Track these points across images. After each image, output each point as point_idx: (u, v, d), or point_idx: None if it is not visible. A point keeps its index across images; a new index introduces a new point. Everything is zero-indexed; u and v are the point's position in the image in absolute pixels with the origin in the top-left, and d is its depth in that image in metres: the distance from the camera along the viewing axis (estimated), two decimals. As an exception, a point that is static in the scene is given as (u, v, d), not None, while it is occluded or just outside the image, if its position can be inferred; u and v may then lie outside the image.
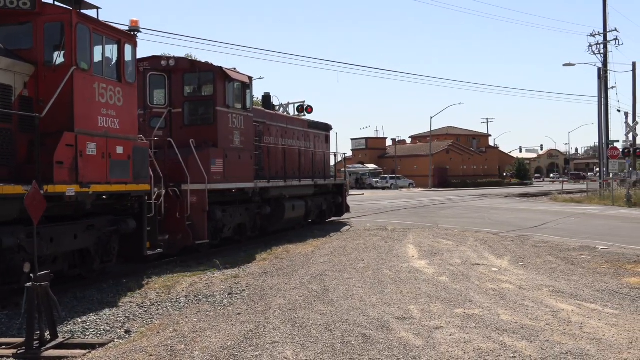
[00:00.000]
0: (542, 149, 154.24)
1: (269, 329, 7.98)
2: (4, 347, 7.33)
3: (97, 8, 10.92)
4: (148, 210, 12.54)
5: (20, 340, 7.38)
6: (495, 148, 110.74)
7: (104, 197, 11.47)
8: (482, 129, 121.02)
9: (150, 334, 7.85)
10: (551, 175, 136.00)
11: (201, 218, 14.73)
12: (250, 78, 17.64)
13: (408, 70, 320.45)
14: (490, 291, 10.35)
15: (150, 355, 6.84)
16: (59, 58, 10.34)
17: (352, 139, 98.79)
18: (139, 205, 12.40)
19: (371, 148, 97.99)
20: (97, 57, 10.98)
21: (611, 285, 11.02)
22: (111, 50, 11.40)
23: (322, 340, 7.39)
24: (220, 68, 16.16)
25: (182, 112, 16.03)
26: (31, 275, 7.37)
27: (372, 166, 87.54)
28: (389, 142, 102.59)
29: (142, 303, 9.78)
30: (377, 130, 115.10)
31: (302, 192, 21.57)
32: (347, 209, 26.63)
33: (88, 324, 8.53)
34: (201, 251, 15.22)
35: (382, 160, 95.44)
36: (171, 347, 7.18)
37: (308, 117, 25.44)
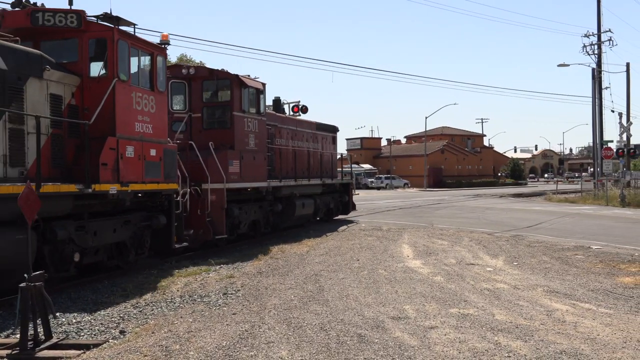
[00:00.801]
0: (536, 149, 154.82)
1: (264, 329, 7.97)
2: (-2, 347, 7.32)
3: (134, 25, 12.29)
4: (176, 207, 13.72)
5: (15, 340, 7.36)
6: (490, 148, 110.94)
7: (139, 195, 12.55)
8: (477, 129, 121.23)
9: (145, 334, 7.83)
10: (545, 175, 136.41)
11: (220, 215, 15.92)
12: (264, 84, 18.72)
13: (403, 70, 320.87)
14: (485, 291, 10.37)
15: (145, 356, 6.83)
16: (102, 70, 11.59)
17: (347, 139, 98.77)
18: (168, 203, 13.55)
19: (366, 148, 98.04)
20: (134, 69, 12.19)
21: (605, 284, 11.05)
22: (145, 62, 12.69)
23: (317, 340, 7.39)
24: (237, 76, 17.36)
25: (201, 117, 17.24)
26: (25, 275, 7.35)
27: (367, 166, 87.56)
28: (384, 142, 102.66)
29: (137, 303, 9.76)
30: (372, 130, 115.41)
31: (311, 191, 22.83)
32: (354, 207, 27.70)
33: (82, 324, 8.50)
34: (219, 245, 16.42)
35: (377, 160, 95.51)
36: (166, 347, 7.17)
37: (315, 119, 25.98)
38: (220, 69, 17.59)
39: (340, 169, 28.50)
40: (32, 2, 11.58)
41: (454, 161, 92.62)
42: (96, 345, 7.39)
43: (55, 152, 10.73)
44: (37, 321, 7.37)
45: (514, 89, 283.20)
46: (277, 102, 23.10)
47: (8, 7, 11.86)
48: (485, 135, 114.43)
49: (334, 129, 26.98)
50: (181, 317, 8.80)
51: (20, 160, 9.91)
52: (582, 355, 6.77)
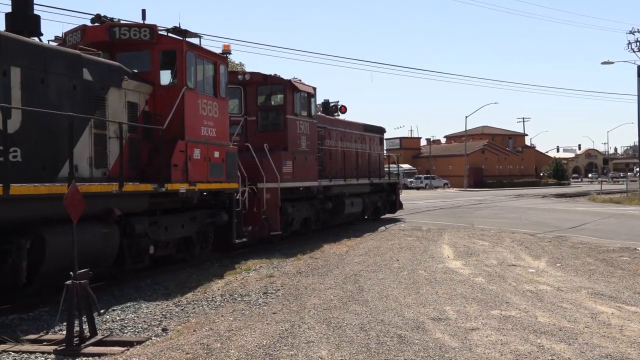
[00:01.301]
0: (580, 149, 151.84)
1: (304, 328, 8.00)
2: (45, 343, 7.50)
3: (199, 37, 13.29)
4: (236, 205, 14.80)
5: (61, 336, 7.53)
6: (532, 148, 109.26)
7: (205, 193, 13.62)
8: (518, 129, 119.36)
9: (187, 332, 7.93)
10: (589, 175, 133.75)
11: (274, 212, 16.91)
12: (315, 88, 19.73)
13: (443, 69, 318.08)
14: (527, 292, 10.22)
15: (187, 354, 6.91)
16: (172, 79, 12.62)
17: (386, 139, 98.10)
18: (229, 201, 14.61)
19: (405, 148, 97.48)
20: (199, 77, 13.22)
21: (652, 287, 10.78)
22: (209, 70, 13.68)
23: (357, 341, 7.38)
24: (289, 81, 18.33)
25: (256, 120, 18.21)
26: (71, 273, 7.51)
27: (406, 166, 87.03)
28: (423, 142, 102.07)
29: (179, 302, 9.89)
30: (411, 130, 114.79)
31: (359, 190, 23.65)
32: (400, 206, 28.33)
33: (126, 321, 8.65)
34: (274, 242, 17.23)
35: (417, 160, 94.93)
36: (207, 345, 7.24)
37: (362, 120, 26.66)
38: (272, 74, 18.40)
39: (387, 169, 29.11)
40: (109, 18, 12.86)
41: (495, 161, 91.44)
42: (139, 343, 7.50)
43: (132, 155, 11.79)
44: (83, 318, 7.53)
45: (557, 88, 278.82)
46: (326, 105, 24.09)
47: (88, 22, 13.16)
48: (526, 135, 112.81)
49: (380, 130, 27.88)
50: (222, 315, 8.88)
51: (103, 162, 10.98)
52: (628, 359, 6.62)
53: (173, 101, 12.32)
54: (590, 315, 8.65)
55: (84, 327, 7.54)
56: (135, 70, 12.36)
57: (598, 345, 7.11)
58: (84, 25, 12.89)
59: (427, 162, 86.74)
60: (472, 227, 22.31)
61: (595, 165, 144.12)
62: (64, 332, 7.49)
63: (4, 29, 10.24)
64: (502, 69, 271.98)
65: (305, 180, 18.85)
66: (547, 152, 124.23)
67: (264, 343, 7.30)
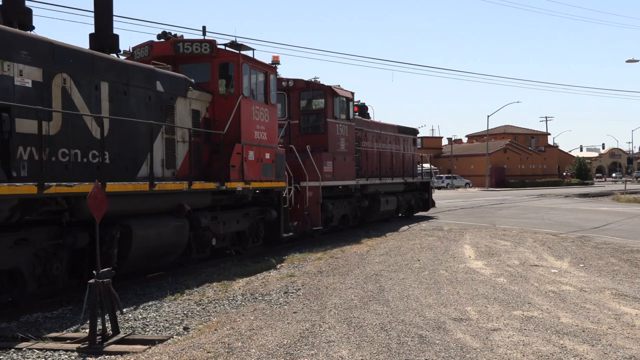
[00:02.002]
0: (603, 148, 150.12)
1: (324, 328, 8.00)
2: (68, 341, 7.59)
3: (253, 49, 14.56)
4: (283, 202, 16.07)
5: (84, 335, 7.61)
6: (555, 147, 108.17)
7: (257, 191, 14.98)
8: (541, 128, 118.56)
9: (208, 331, 7.97)
10: (613, 174, 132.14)
11: (316, 209, 18.22)
12: (353, 94, 21.08)
13: (464, 68, 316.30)
14: (549, 293, 10.13)
15: (208, 352, 6.95)
16: (229, 89, 14.04)
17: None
18: (277, 198, 15.90)
19: (426, 147, 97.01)
20: (253, 86, 14.60)
21: (678, 288, 10.62)
22: (260, 80, 15.03)
23: (378, 340, 7.37)
24: (330, 87, 19.69)
25: (299, 123, 19.49)
26: (94, 272, 7.59)
27: (427, 165, 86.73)
28: (444, 142, 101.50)
29: (200, 300, 9.95)
30: (432, 130, 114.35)
31: (394, 188, 25.06)
32: (433, 204, 29.59)
33: (148, 320, 8.72)
34: (315, 236, 18.65)
35: (438, 159, 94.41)
36: (228, 344, 7.28)
37: (395, 122, 28.09)
38: (313, 79, 19.98)
39: (420, 169, 30.06)
40: (172, 34, 14.37)
41: (517, 160, 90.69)
42: (161, 341, 7.56)
43: (196, 157, 12.98)
44: (105, 316, 7.61)
45: (580, 86, 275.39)
46: (362, 108, 25.21)
47: (153, 38, 14.74)
48: (549, 134, 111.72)
49: (414, 131, 29.31)
50: (243, 315, 8.92)
51: (172, 163, 12.41)
52: (653, 361, 6.54)
53: (230, 108, 13.73)
54: (613, 316, 8.55)
55: (106, 325, 7.61)
56: (199, 81, 13.74)
57: (622, 347, 7.02)
58: (151, 41, 14.31)
59: (449, 161, 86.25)
60: (494, 227, 22.17)
61: (619, 164, 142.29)
62: (87, 330, 7.58)
63: (88, 47, 11.58)
64: (524, 67, 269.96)
65: (344, 179, 20.21)
66: (570, 151, 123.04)
67: (285, 342, 7.32)
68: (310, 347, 7.15)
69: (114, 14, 12.04)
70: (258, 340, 7.43)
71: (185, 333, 8.03)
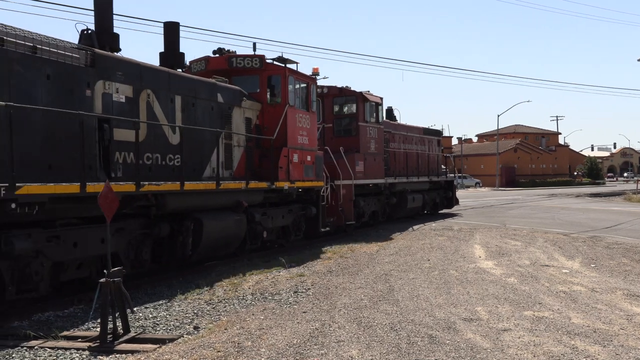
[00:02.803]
0: (615, 147, 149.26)
1: (334, 327, 8.00)
2: (79, 340, 7.62)
3: (297, 63, 16.16)
4: (321, 200, 17.70)
5: (95, 333, 7.65)
6: (566, 146, 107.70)
7: (300, 190, 16.57)
8: (552, 127, 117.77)
9: (218, 331, 7.99)
10: (625, 174, 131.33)
11: (349, 205, 19.81)
12: (381, 99, 22.79)
13: (474, 67, 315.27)
14: (560, 293, 10.08)
15: (218, 351, 6.97)
16: (277, 99, 15.65)
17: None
18: (316, 196, 17.46)
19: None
20: (297, 96, 16.27)
21: (690, 289, 10.54)
22: (303, 90, 16.74)
23: (388, 340, 7.36)
24: (361, 93, 21.38)
25: (332, 127, 21.28)
26: (105, 271, 7.63)
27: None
28: (454, 141, 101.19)
29: (210, 300, 9.97)
30: (442, 129, 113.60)
31: (420, 187, 26.90)
32: (457, 202, 31.18)
33: (158, 319, 8.75)
34: (347, 231, 20.14)
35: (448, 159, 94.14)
36: (238, 343, 7.29)
37: (420, 124, 29.71)
38: (345, 86, 21.52)
39: (445, 168, 31.66)
40: (226, 50, 16.10)
41: (528, 160, 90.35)
42: (171, 340, 7.58)
43: (248, 159, 14.63)
44: (116, 315, 7.64)
45: (591, 85, 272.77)
46: (390, 111, 26.90)
47: (207, 54, 16.20)
48: (560, 134, 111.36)
49: (438, 133, 31.60)
50: (253, 314, 8.93)
51: (230, 165, 14.07)
52: (665, 362, 6.49)
53: (278, 116, 15.36)
54: (625, 316, 8.50)
55: (117, 324, 7.65)
56: (250, 92, 15.24)
57: (634, 348, 6.98)
58: (208, 56, 16.02)
59: (459, 161, 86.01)
60: (504, 226, 22.09)
61: (630, 164, 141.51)
62: (98, 329, 7.61)
63: (159, 64, 13.31)
64: (535, 66, 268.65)
65: (374, 178, 21.90)
66: (581, 151, 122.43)
67: (295, 342, 7.33)
68: (320, 346, 7.15)
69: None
70: (268, 340, 7.44)
71: (196, 332, 8.05)
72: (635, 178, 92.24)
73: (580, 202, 40.90)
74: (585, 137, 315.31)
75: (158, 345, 7.34)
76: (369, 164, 21.36)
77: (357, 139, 21.05)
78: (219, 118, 13.74)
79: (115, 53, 11.51)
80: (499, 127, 79.26)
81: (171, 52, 13.80)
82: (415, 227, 22.13)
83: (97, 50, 10.73)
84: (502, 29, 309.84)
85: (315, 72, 17.73)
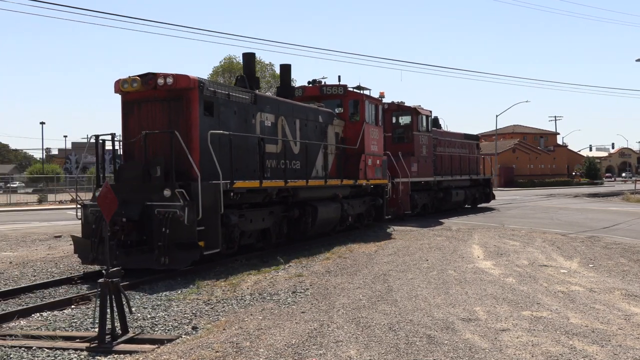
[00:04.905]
0: (613, 148, 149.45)
1: (332, 328, 8.00)
2: (78, 340, 7.62)
3: (369, 89, 21.20)
4: (385, 194, 22.54)
5: (93, 334, 7.64)
6: (564, 147, 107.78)
7: (372, 186, 21.38)
8: (550, 127, 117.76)
9: (217, 331, 7.99)
10: (623, 174, 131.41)
11: (406, 198, 25.30)
12: (430, 112, 28.15)
13: (473, 67, 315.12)
14: (559, 293, 10.09)
15: (217, 352, 6.97)
16: (356, 117, 20.56)
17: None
18: (382, 191, 22.33)
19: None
20: (370, 114, 21.05)
21: (688, 289, 10.55)
22: (373, 109, 21.33)
23: (386, 340, 7.36)
24: (414, 108, 26.74)
25: (392, 135, 26.28)
26: (103, 272, 7.63)
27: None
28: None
29: (209, 300, 9.97)
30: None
31: (462, 184, 32.21)
32: (493, 197, 36.60)
33: (157, 319, 8.75)
34: (404, 219, 24.83)
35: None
36: (237, 343, 7.29)
37: (462, 130, 34.57)
38: (400, 101, 26.94)
39: (482, 167, 36.01)
40: (318, 80, 21.07)
41: (526, 160, 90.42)
42: (170, 340, 7.58)
43: (338, 163, 19.36)
44: (115, 316, 7.63)
45: (589, 85, 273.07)
46: (436, 120, 31.00)
47: (296, 83, 21.57)
48: (558, 134, 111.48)
49: (477, 138, 37.03)
50: (251, 314, 8.93)
51: (326, 167, 18.70)
52: (663, 362, 6.50)
53: (357, 130, 20.26)
54: (623, 316, 8.51)
55: (115, 324, 7.64)
56: (336, 112, 20.13)
57: (632, 347, 6.99)
58: (304, 86, 21.21)
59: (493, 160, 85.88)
60: (503, 227, 22.11)
61: (629, 164, 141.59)
62: (97, 330, 7.60)
63: (276, 94, 18.73)
64: (533, 67, 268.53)
65: (425, 176, 27.15)
66: (579, 151, 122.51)
67: (293, 342, 7.33)
68: (318, 346, 7.15)
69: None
70: (266, 340, 7.43)
71: (194, 332, 8.05)
72: (634, 178, 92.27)
73: (579, 202, 40.94)
74: (583, 137, 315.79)
75: (156, 346, 7.34)
76: (421, 165, 26.52)
77: (412, 145, 26.22)
78: (320, 133, 18.68)
79: (258, 91, 16.21)
80: (498, 128, 79.31)
81: (286, 87, 19.00)
82: (456, 218, 27.16)
83: (257, 92, 15.74)
84: (501, 29, 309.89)
85: (382, 95, 22.22)
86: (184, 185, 12.29)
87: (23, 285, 11.50)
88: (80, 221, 13.12)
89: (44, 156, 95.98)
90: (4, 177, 79.61)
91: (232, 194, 13.35)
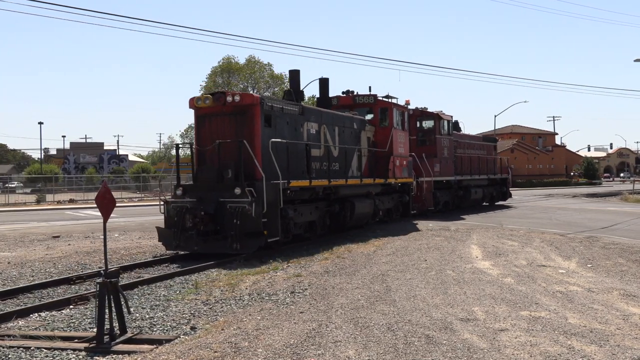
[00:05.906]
0: (611, 148, 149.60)
1: (331, 328, 8.00)
2: (76, 340, 7.62)
3: (396, 98, 23.85)
4: (411, 191, 24.89)
5: (92, 334, 7.64)
6: (562, 147, 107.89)
7: (399, 184, 23.65)
8: (548, 127, 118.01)
9: (215, 331, 7.99)
10: (621, 174, 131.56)
11: (429, 196, 27.63)
12: (452, 117, 30.38)
13: (471, 67, 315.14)
14: (557, 293, 10.09)
15: (215, 352, 6.96)
16: (385, 123, 22.99)
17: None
18: (408, 189, 24.67)
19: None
20: (397, 120, 23.37)
21: (686, 289, 10.56)
22: (400, 115, 23.70)
23: (385, 341, 7.36)
24: (437, 114, 28.76)
25: (416, 138, 28.26)
26: (101, 272, 7.62)
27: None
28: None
29: (207, 300, 9.96)
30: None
31: (480, 183, 34.46)
32: (510, 195, 39.17)
33: (155, 319, 8.74)
34: (427, 215, 27.08)
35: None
36: (235, 344, 7.29)
37: (478, 133, 36.58)
38: (423, 107, 28.90)
39: (500, 167, 38.33)
40: (351, 91, 23.40)
41: (525, 160, 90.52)
42: (168, 341, 7.58)
43: (370, 164, 21.82)
44: (113, 316, 7.63)
45: (588, 86, 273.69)
46: (456, 124, 32.80)
47: (333, 93, 23.41)
48: (557, 134, 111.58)
49: (494, 140, 39.96)
50: (250, 314, 8.93)
51: (359, 168, 21.04)
52: (661, 362, 6.50)
53: (387, 135, 22.71)
54: (622, 316, 8.52)
55: (114, 324, 7.64)
56: (367, 118, 22.61)
57: (630, 347, 7.00)
58: (339, 95, 23.35)
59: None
60: (501, 227, 22.12)
61: (627, 164, 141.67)
62: (95, 330, 7.60)
63: (317, 105, 21.13)
64: (532, 67, 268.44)
65: (446, 175, 29.36)
66: (577, 151, 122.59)
67: (292, 342, 7.33)
68: (317, 347, 7.15)
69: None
70: (265, 340, 7.43)
71: (193, 333, 8.05)
72: (632, 178, 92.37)
73: (577, 203, 40.98)
74: (582, 138, 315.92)
75: (155, 346, 7.34)
76: (443, 165, 28.73)
77: (435, 147, 28.27)
78: (355, 138, 21.05)
79: (303, 103, 18.69)
80: (496, 128, 79.34)
81: (325, 99, 21.61)
82: (475, 215, 29.41)
83: (304, 104, 18.32)
84: (499, 29, 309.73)
85: (407, 103, 24.54)
86: (250, 184, 14.72)
87: (21, 285, 11.51)
88: (162, 215, 15.66)
89: (42, 156, 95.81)
90: (2, 177, 79.67)
91: (288, 191, 15.74)
